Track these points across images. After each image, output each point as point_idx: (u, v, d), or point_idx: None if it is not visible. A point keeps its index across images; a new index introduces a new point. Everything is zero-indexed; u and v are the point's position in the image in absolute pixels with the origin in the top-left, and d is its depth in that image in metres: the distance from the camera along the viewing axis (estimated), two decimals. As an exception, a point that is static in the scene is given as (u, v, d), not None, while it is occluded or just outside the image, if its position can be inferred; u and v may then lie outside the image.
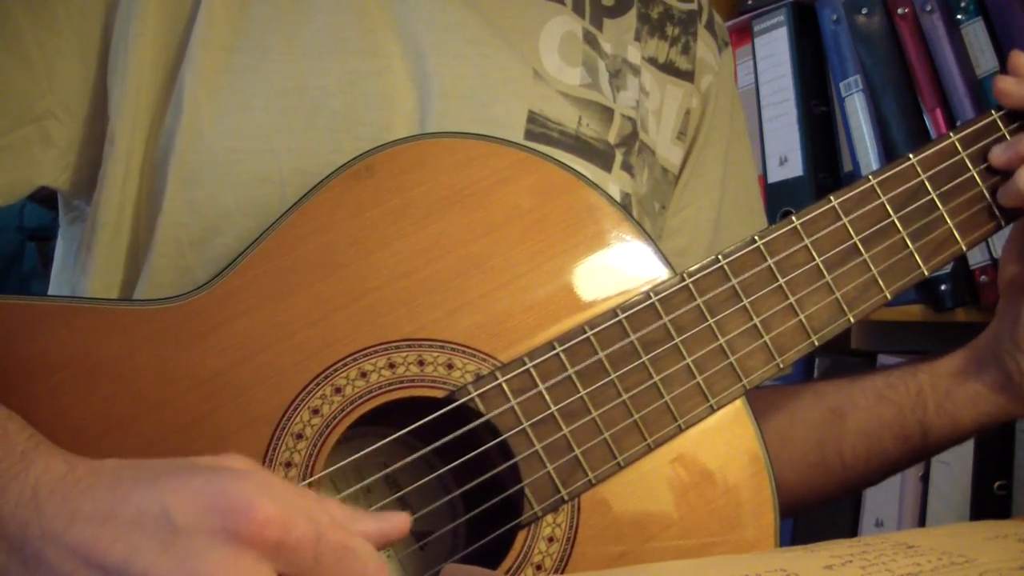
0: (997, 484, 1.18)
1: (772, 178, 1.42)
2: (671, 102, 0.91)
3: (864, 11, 1.30)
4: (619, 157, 0.83)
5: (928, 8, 1.24)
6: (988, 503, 1.18)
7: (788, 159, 1.40)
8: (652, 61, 0.90)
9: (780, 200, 1.39)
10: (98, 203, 0.72)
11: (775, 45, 1.43)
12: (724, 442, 0.69)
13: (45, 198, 0.78)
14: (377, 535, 0.55)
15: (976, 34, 1.21)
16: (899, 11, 1.27)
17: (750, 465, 0.69)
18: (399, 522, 0.57)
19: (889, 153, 1.27)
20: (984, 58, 1.20)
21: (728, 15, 1.51)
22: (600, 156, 0.81)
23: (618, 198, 0.82)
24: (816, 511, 0.92)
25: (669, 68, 0.91)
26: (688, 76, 0.93)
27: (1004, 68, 0.78)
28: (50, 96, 0.70)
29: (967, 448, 1.20)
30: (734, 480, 0.68)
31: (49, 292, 0.78)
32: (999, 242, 1.16)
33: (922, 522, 1.27)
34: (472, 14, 0.78)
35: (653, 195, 0.89)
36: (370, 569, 0.52)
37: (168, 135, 0.71)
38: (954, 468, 1.23)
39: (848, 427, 0.83)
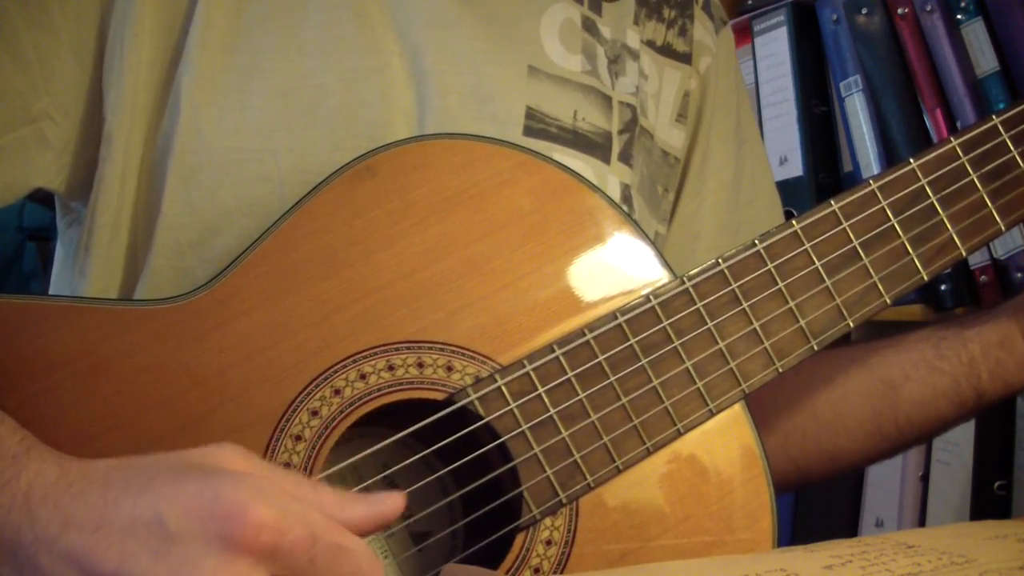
0: (997, 484, 1.18)
1: (772, 178, 1.42)
2: (670, 85, 0.91)
3: (864, 11, 1.30)
4: (617, 147, 0.83)
5: (928, 8, 1.24)
6: (988, 503, 1.18)
7: (788, 159, 1.40)
8: (650, 44, 0.90)
9: (780, 200, 1.39)
10: (95, 205, 0.72)
11: (775, 45, 1.43)
12: (723, 446, 0.69)
13: (45, 198, 0.78)
14: (372, 519, 0.55)
15: (976, 34, 1.21)
16: (899, 11, 1.26)
17: (748, 469, 0.69)
18: (392, 503, 0.56)
19: (889, 153, 1.27)
20: (984, 58, 1.20)
21: (728, 15, 1.50)
22: (599, 149, 0.81)
23: (618, 189, 0.82)
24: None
25: (667, 51, 0.91)
26: (686, 58, 0.93)
27: (1004, 68, 0.78)
28: (46, 97, 0.70)
29: (967, 448, 1.20)
30: (732, 484, 0.68)
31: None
32: (999, 243, 1.16)
33: (922, 522, 1.27)
34: (469, 10, 0.78)
35: (654, 178, 0.89)
36: (365, 569, 0.52)
37: (166, 136, 0.71)
38: (954, 468, 1.23)
39: (902, 397, 0.84)
